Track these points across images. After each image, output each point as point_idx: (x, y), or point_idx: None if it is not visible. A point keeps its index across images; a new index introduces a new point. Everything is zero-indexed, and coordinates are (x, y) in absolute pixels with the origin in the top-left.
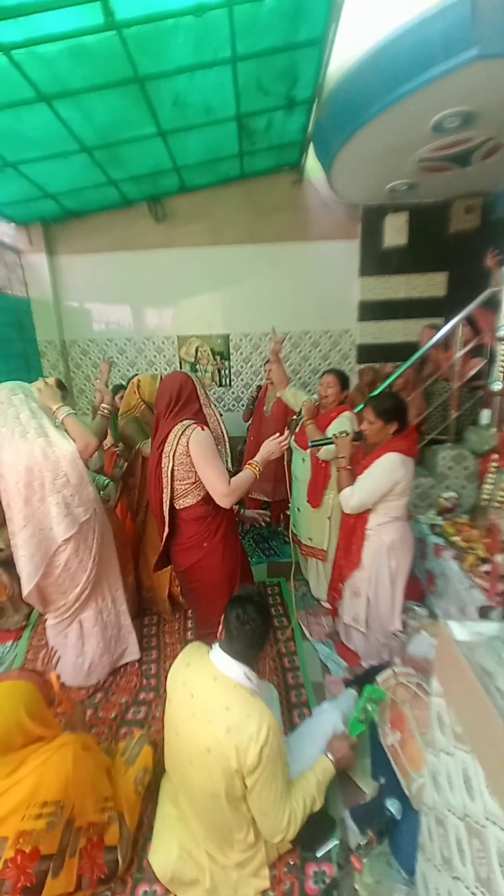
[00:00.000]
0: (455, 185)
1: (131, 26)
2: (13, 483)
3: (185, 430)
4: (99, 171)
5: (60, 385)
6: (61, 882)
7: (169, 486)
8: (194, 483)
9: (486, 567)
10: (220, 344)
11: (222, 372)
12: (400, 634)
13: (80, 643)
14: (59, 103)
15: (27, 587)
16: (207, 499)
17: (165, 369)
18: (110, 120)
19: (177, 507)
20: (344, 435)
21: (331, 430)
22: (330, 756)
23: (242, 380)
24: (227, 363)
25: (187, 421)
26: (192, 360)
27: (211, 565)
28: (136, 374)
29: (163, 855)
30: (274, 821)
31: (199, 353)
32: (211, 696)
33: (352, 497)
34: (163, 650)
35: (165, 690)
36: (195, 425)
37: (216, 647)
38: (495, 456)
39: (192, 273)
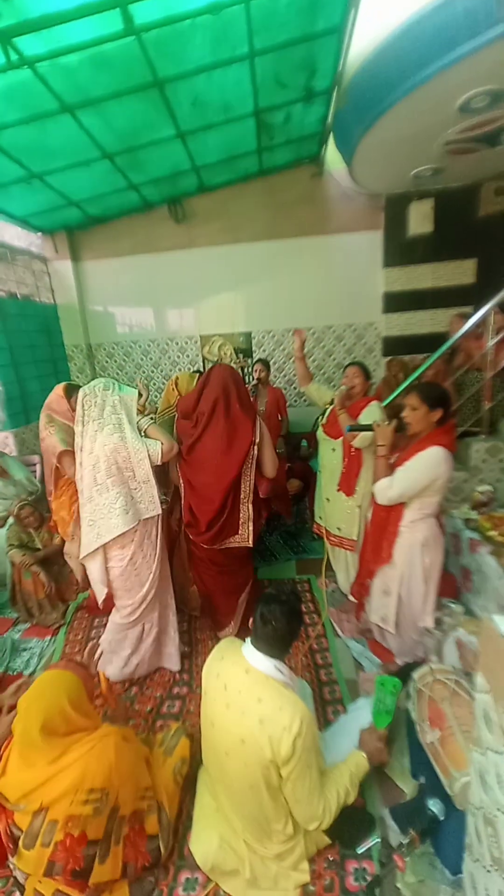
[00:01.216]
0: (483, 166)
1: (150, 30)
2: (88, 468)
3: (259, 421)
4: (120, 177)
5: (72, 389)
6: (108, 868)
7: (253, 465)
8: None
9: None
10: (243, 342)
11: (245, 370)
12: (434, 632)
13: (138, 642)
14: (82, 112)
15: (84, 552)
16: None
17: (189, 369)
18: (130, 125)
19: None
20: (385, 424)
21: (361, 420)
22: (362, 752)
23: None
24: (249, 361)
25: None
26: (216, 358)
27: (255, 535)
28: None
29: (203, 844)
30: (308, 809)
31: (221, 352)
32: (244, 688)
33: (390, 488)
34: (194, 646)
35: (199, 685)
36: (259, 419)
37: (248, 641)
38: None
39: (213, 272)
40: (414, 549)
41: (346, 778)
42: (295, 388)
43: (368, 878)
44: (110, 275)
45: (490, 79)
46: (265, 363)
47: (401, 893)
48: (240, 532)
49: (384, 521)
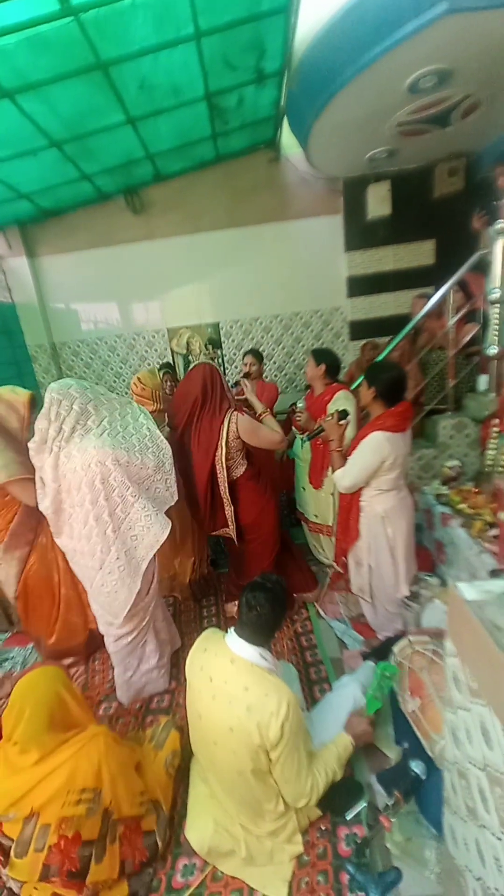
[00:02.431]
0: (436, 147)
1: (88, 10)
2: (90, 483)
3: (230, 419)
4: (71, 166)
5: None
6: (105, 868)
7: (224, 468)
8: (241, 454)
9: (494, 531)
10: (211, 332)
11: (215, 361)
12: (412, 604)
13: (158, 649)
14: (23, 98)
15: (143, 566)
16: (252, 461)
17: (158, 363)
18: (77, 111)
19: (233, 478)
20: (329, 418)
21: (331, 408)
22: (349, 735)
23: (236, 367)
24: (219, 352)
25: (228, 411)
26: (184, 351)
27: (268, 516)
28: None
29: (199, 830)
30: (297, 788)
31: (190, 344)
32: (229, 679)
33: (343, 478)
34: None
35: (186, 678)
36: (235, 413)
37: (231, 631)
38: (496, 421)
39: (175, 263)
40: (375, 521)
41: (333, 759)
42: (264, 378)
43: (359, 842)
44: (69, 270)
45: (436, 58)
46: (256, 354)
47: (390, 852)
48: (229, 525)
49: (348, 501)
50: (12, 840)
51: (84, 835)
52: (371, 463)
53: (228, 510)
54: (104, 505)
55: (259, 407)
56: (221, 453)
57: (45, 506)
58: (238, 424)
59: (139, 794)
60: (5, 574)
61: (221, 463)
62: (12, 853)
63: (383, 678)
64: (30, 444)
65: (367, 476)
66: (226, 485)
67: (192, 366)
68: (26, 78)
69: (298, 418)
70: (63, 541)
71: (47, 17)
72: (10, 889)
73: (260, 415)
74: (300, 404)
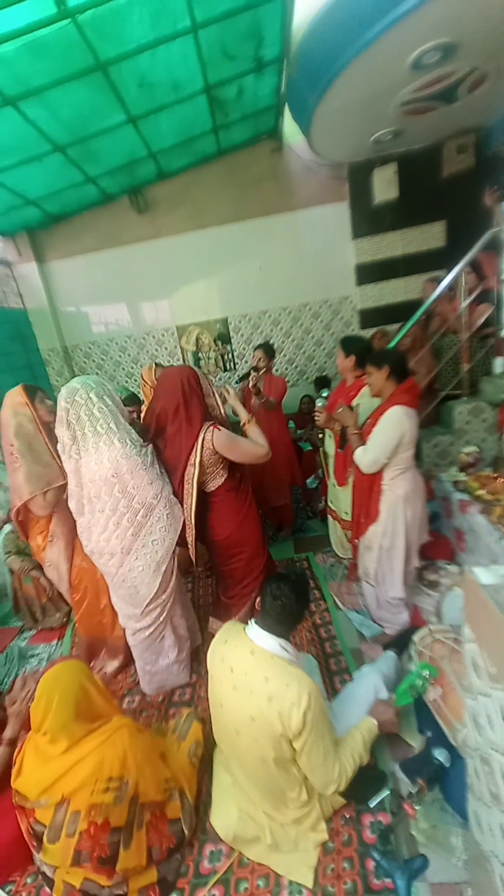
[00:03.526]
0: (443, 124)
1: (84, 11)
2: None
3: (204, 435)
4: (75, 170)
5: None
6: (133, 854)
7: (195, 487)
8: (220, 466)
9: None
10: (220, 328)
11: (225, 357)
12: (431, 592)
13: (177, 644)
14: (25, 104)
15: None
16: (232, 474)
17: (168, 361)
18: (78, 113)
19: (208, 491)
20: (340, 409)
21: (357, 401)
22: (374, 719)
23: (246, 361)
24: (228, 347)
25: (204, 426)
26: (194, 348)
27: (249, 529)
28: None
29: (224, 818)
30: (324, 775)
31: (199, 341)
32: (250, 669)
33: (365, 455)
34: (201, 633)
35: (207, 671)
36: (211, 428)
37: (252, 623)
38: None
39: (182, 260)
40: (397, 504)
41: (359, 743)
42: (274, 371)
43: (384, 829)
44: (78, 273)
45: (438, 32)
46: (267, 350)
47: (416, 840)
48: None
49: (368, 484)
50: (45, 826)
51: (112, 821)
52: (393, 437)
53: (190, 533)
54: (123, 512)
55: (244, 415)
56: (194, 472)
57: (72, 505)
58: (214, 441)
59: (164, 780)
60: (57, 572)
61: (192, 482)
62: (45, 839)
63: (422, 678)
64: (58, 448)
65: (389, 452)
66: (193, 507)
67: (166, 369)
68: (28, 84)
69: (317, 418)
70: (83, 541)
71: (45, 20)
72: (43, 874)
73: (244, 423)
74: (319, 403)
